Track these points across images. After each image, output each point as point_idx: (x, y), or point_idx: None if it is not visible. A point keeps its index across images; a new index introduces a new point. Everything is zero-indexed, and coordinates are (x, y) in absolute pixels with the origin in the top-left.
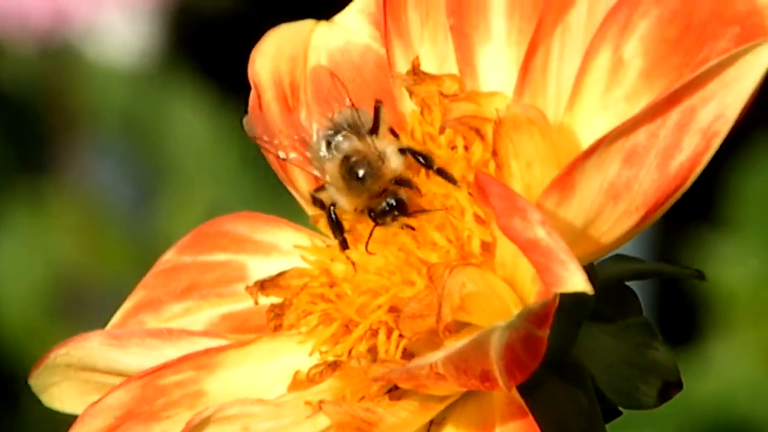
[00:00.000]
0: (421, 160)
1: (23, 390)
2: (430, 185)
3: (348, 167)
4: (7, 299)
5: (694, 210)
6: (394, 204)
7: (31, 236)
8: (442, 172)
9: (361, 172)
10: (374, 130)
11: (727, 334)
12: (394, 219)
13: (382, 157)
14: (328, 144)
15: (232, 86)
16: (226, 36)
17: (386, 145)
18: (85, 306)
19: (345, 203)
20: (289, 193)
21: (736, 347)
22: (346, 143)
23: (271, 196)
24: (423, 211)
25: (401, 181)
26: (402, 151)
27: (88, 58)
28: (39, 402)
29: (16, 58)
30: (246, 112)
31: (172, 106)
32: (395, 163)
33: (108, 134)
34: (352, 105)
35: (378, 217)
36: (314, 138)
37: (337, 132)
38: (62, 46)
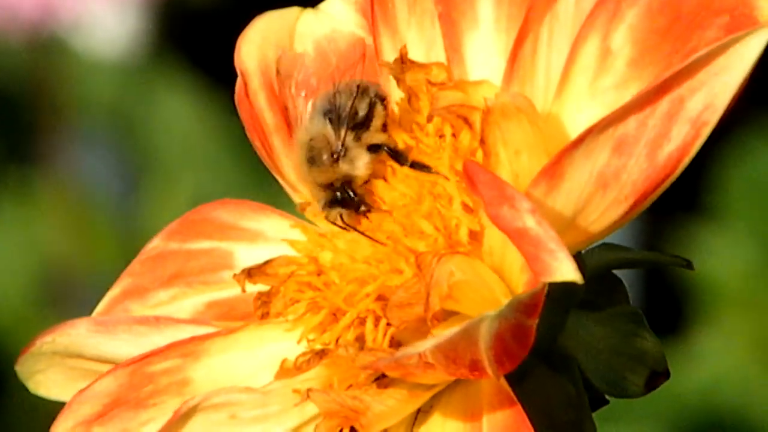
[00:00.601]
0: (393, 155)
1: (12, 379)
2: (418, 174)
3: (308, 149)
4: None
5: (681, 201)
6: (338, 200)
7: (18, 227)
8: (415, 165)
9: (312, 159)
10: (367, 123)
11: (715, 325)
12: (340, 214)
13: (341, 153)
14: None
15: (218, 78)
16: (213, 28)
17: (357, 144)
18: (73, 296)
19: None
20: (276, 184)
21: (723, 338)
22: (317, 125)
23: (257, 187)
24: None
25: (349, 183)
26: (378, 147)
27: (75, 50)
28: (29, 391)
29: (4, 50)
30: (233, 103)
31: (158, 98)
32: (358, 164)
33: (95, 126)
34: (359, 86)
35: (323, 208)
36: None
37: (327, 111)
38: (50, 39)
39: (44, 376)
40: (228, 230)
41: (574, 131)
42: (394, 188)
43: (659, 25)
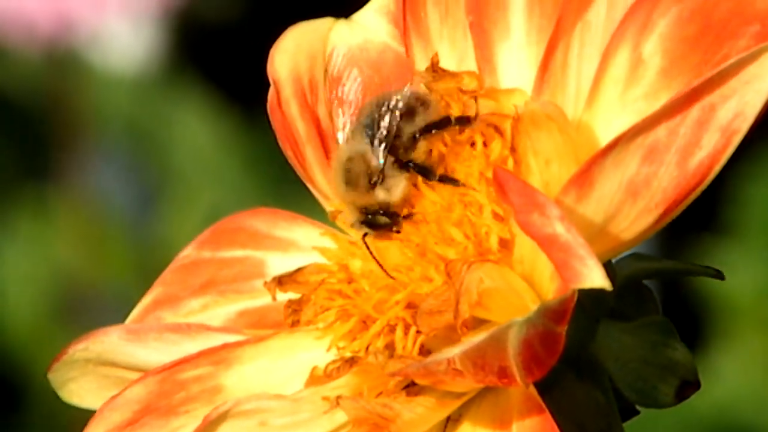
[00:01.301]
0: (422, 171)
1: (29, 393)
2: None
3: (345, 170)
4: (11, 304)
5: (698, 218)
6: (376, 224)
7: (34, 241)
8: (444, 179)
9: (349, 181)
10: (412, 145)
11: (731, 343)
12: (378, 229)
13: (378, 180)
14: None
15: (234, 94)
16: (229, 44)
17: (396, 168)
18: (88, 311)
19: (340, 192)
20: (293, 198)
21: (739, 356)
22: (357, 143)
23: (273, 202)
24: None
25: (387, 212)
26: (406, 164)
27: (92, 64)
28: (43, 405)
29: (21, 64)
30: (249, 118)
31: (175, 113)
32: (395, 192)
33: (111, 141)
34: (412, 93)
35: (353, 225)
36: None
37: (368, 127)
38: (67, 53)
39: (77, 385)
40: (261, 239)
41: (604, 140)
42: (425, 196)
43: (690, 33)
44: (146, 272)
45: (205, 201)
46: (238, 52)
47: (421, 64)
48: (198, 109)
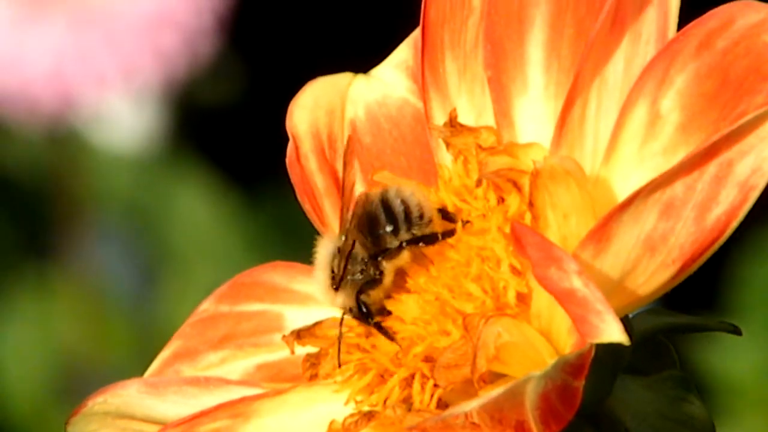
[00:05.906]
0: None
1: None
2: (467, 237)
3: (331, 258)
4: (12, 382)
5: (698, 297)
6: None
7: (34, 319)
8: (378, 327)
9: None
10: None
11: (731, 423)
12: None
13: (333, 285)
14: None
15: (234, 173)
16: (229, 124)
17: (350, 288)
18: (88, 388)
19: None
20: None
21: None
22: (342, 241)
23: None
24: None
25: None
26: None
27: (93, 143)
28: None
29: (23, 142)
30: (249, 197)
31: (175, 192)
32: (345, 300)
33: (112, 219)
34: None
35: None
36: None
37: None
38: (68, 132)
39: None
40: (279, 293)
41: (622, 195)
42: (442, 252)
43: (707, 89)
44: (145, 350)
45: (204, 280)
46: (238, 132)
47: (440, 118)
48: (198, 189)
